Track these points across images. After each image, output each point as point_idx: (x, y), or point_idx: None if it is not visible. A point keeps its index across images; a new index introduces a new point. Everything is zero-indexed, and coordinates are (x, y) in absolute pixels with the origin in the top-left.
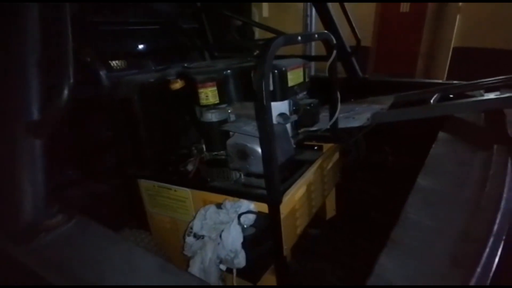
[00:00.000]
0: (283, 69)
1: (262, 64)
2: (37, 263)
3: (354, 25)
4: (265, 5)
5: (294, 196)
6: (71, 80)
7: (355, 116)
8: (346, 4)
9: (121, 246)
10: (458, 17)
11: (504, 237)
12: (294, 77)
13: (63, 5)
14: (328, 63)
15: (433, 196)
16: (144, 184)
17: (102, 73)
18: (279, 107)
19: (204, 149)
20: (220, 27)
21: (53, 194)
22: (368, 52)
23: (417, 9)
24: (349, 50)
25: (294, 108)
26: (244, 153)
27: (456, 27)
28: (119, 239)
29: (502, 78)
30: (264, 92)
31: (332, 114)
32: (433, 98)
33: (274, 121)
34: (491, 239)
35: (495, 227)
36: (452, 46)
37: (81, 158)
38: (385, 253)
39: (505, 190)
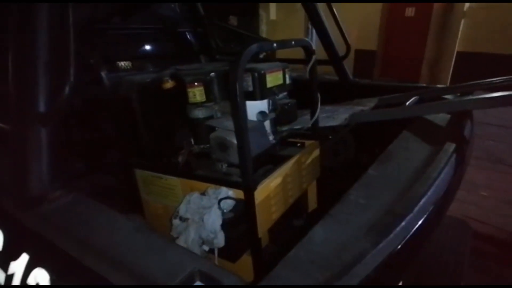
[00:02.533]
0: (262, 72)
1: (235, 69)
2: (39, 226)
3: (345, 30)
4: (272, 8)
5: (270, 185)
6: (72, 79)
7: (335, 116)
8: (352, 7)
9: (107, 214)
10: (462, 21)
11: (425, 216)
12: (273, 79)
13: (67, 8)
14: (308, 68)
15: (374, 181)
16: (140, 174)
17: (104, 74)
18: (258, 106)
19: (193, 143)
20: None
21: (57, 174)
22: (374, 56)
23: (422, 13)
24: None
25: (272, 107)
26: (224, 146)
27: (460, 32)
28: (106, 208)
29: (477, 82)
30: (237, 93)
31: (313, 114)
32: (409, 101)
33: (254, 118)
34: (410, 215)
35: (417, 207)
36: (456, 50)
37: (86, 150)
38: (321, 223)
39: (438, 179)
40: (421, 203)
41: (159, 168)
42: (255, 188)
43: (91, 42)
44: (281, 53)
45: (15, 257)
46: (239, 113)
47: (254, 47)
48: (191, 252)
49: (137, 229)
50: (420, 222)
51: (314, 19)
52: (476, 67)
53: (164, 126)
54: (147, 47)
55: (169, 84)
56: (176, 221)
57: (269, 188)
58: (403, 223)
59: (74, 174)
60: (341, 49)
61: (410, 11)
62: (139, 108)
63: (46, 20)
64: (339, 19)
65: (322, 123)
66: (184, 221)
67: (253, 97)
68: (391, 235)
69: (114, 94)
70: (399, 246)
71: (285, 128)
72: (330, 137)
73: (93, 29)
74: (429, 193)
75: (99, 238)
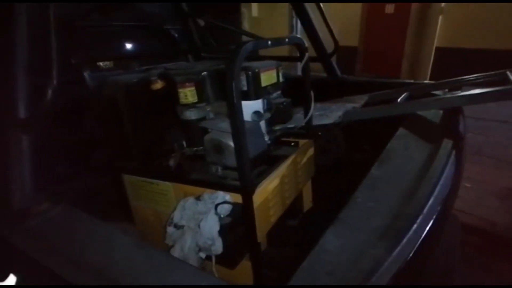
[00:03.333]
0: (256, 70)
1: (232, 68)
2: (26, 244)
3: (335, 27)
4: (254, 5)
5: (267, 188)
6: (54, 81)
7: (328, 114)
8: (334, 4)
9: (101, 227)
10: (440, 18)
11: (434, 217)
12: (267, 78)
13: (47, 8)
14: (301, 65)
15: (379, 183)
16: (128, 179)
17: (87, 73)
18: (253, 106)
19: (185, 145)
20: (206, 29)
21: (42, 184)
22: (355, 53)
23: (401, 10)
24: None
25: (267, 106)
26: (219, 148)
27: (438, 28)
28: (99, 222)
29: (463, 78)
30: (234, 93)
31: (306, 112)
32: (400, 98)
33: (249, 118)
34: (420, 217)
35: (426, 208)
36: (434, 46)
37: (71, 154)
38: (331, 229)
39: (442, 178)
40: (429, 203)
41: (149, 172)
42: (253, 192)
43: (72, 40)
44: (264, 52)
45: (2, 278)
46: (236, 114)
47: (250, 45)
48: (197, 271)
49: (136, 245)
50: (430, 224)
51: (302, 17)
52: (454, 62)
53: (153, 128)
54: (131, 45)
55: (158, 85)
56: (170, 229)
57: (267, 191)
58: (415, 226)
59: (58, 180)
60: (329, 47)
61: (389, 8)
62: (126, 109)
63: (25, 21)
64: (327, 16)
65: (315, 122)
66: (179, 229)
67: (247, 97)
68: (405, 239)
69: (98, 94)
70: (414, 250)
71: (278, 127)
72: (320, 134)
73: (74, 26)
74: (435, 193)
75: (95, 257)
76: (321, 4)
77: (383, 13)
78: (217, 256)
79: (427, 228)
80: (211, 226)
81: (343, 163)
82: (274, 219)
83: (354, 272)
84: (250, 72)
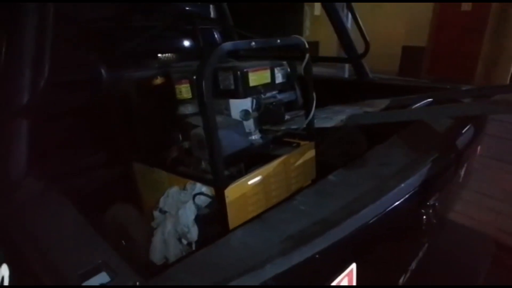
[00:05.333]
0: (244, 70)
1: (201, 68)
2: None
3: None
4: (317, 4)
5: (246, 184)
6: (46, 75)
7: (333, 117)
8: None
9: (61, 207)
10: None
11: (363, 224)
12: (258, 78)
13: (47, 8)
14: (303, 66)
15: (329, 188)
16: (137, 167)
17: (103, 70)
18: (241, 104)
19: (180, 139)
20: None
21: (35, 163)
22: (423, 53)
23: (480, 8)
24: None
25: (256, 106)
26: (202, 143)
27: None
28: (63, 202)
29: (500, 86)
30: (204, 92)
31: (307, 114)
32: (419, 103)
33: (236, 117)
34: (336, 227)
35: (355, 216)
36: None
37: (89, 146)
38: (245, 226)
39: (395, 189)
40: (357, 215)
41: (152, 162)
42: (225, 186)
43: (87, 36)
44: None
45: None
46: (206, 112)
47: (227, 45)
48: (104, 245)
49: (78, 223)
50: (344, 235)
51: (332, 16)
52: None
53: (159, 121)
54: (153, 43)
55: (158, 81)
56: (156, 213)
57: (245, 187)
58: (324, 235)
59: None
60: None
61: (466, 5)
62: (136, 103)
63: (24, 18)
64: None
65: (318, 124)
66: (163, 214)
67: (235, 96)
68: (308, 245)
69: (113, 90)
70: (312, 256)
71: (282, 127)
72: (327, 135)
73: (88, 22)
74: (371, 206)
75: (43, 230)
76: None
77: (458, 11)
78: (198, 245)
79: (338, 239)
80: (187, 214)
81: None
82: (253, 216)
83: (239, 265)
84: (238, 72)
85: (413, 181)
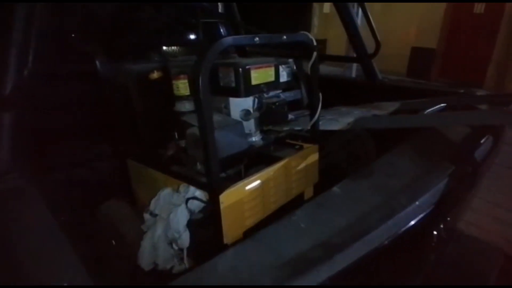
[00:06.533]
0: (247, 67)
1: (200, 62)
2: None
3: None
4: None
5: (243, 189)
6: (30, 66)
7: (339, 119)
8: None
9: (31, 209)
10: None
11: (372, 249)
12: (260, 76)
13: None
14: (309, 64)
15: (332, 202)
16: (131, 163)
17: (100, 62)
18: (242, 103)
19: (176, 137)
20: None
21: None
22: (432, 55)
23: (492, 10)
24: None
25: (258, 105)
26: (198, 143)
27: None
28: (34, 203)
29: None
30: (201, 88)
31: (312, 115)
32: (432, 108)
33: (237, 116)
34: (339, 254)
35: (355, 245)
36: None
37: (84, 139)
38: (236, 247)
39: (409, 208)
40: (365, 238)
41: (146, 160)
42: (220, 191)
43: (86, 28)
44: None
45: None
46: (202, 111)
47: (227, 40)
48: (73, 261)
49: (49, 230)
50: (348, 265)
51: (343, 15)
52: None
53: (159, 117)
54: (155, 36)
55: (155, 75)
56: (146, 215)
57: (242, 192)
58: (326, 264)
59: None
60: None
61: (479, 7)
62: (135, 96)
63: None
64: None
65: (323, 126)
66: (154, 217)
67: (236, 94)
68: (307, 274)
69: (111, 82)
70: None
71: (285, 128)
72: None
73: (88, 13)
74: (378, 230)
75: (10, 241)
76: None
77: (471, 13)
78: (190, 250)
79: (342, 268)
80: (179, 219)
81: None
82: (251, 222)
83: None
84: (240, 69)
85: (429, 198)
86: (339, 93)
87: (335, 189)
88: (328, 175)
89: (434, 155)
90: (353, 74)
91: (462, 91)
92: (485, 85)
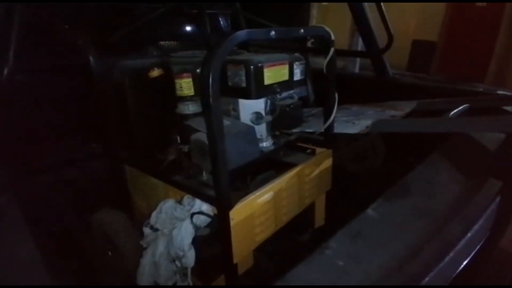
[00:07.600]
0: (259, 65)
1: (210, 59)
2: None
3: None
4: None
5: (254, 202)
6: (11, 63)
7: (356, 122)
8: None
9: (16, 233)
10: None
11: None
12: (274, 75)
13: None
14: (326, 61)
15: (369, 229)
16: (129, 169)
17: (92, 57)
18: (253, 106)
19: (179, 141)
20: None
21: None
22: (433, 48)
23: (495, 4)
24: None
25: (270, 108)
26: (203, 151)
27: None
28: (17, 227)
29: None
30: (210, 90)
31: (327, 117)
32: (455, 110)
33: (247, 120)
34: None
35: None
36: None
37: (72, 141)
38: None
39: (461, 243)
40: (430, 276)
41: (144, 165)
42: (230, 207)
43: (79, 21)
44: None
45: None
46: (211, 117)
47: (241, 34)
48: None
49: (31, 261)
50: None
51: (354, 7)
52: None
53: (157, 118)
54: (151, 28)
55: (156, 73)
56: (146, 230)
57: (253, 206)
58: None
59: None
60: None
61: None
62: (128, 95)
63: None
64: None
65: (338, 129)
66: (154, 231)
67: (247, 95)
68: None
69: (105, 79)
70: None
71: (295, 130)
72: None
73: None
74: (434, 272)
75: None
76: None
77: (473, 6)
78: (194, 267)
79: None
80: (183, 236)
81: (378, 175)
82: (261, 238)
83: None
84: (251, 66)
85: (484, 223)
86: (347, 89)
87: (370, 211)
88: (335, 178)
89: (472, 166)
90: (357, 69)
91: (481, 89)
92: (487, 80)
